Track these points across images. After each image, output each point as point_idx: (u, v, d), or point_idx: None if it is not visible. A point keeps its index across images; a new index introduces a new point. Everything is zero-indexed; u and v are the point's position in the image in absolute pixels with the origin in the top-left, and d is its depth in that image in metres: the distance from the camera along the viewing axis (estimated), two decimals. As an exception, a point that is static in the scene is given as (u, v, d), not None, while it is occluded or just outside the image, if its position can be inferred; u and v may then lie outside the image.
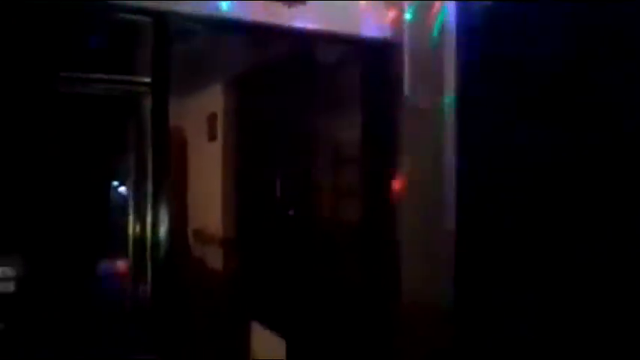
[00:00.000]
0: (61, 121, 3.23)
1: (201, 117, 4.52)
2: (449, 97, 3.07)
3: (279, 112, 3.84)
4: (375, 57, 3.23)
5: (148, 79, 3.19)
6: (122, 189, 3.42)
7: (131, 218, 3.29)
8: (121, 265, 3.44)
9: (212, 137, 4.44)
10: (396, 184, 3.10)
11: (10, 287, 3.38)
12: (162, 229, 3.24)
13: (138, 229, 3.26)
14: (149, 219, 3.21)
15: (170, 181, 3.29)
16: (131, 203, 3.26)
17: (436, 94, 3.12)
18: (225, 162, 4.35)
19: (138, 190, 3.29)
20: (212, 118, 4.44)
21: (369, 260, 3.21)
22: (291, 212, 3.69)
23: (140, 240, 3.25)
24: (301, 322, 3.40)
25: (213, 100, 4.37)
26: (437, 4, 3.10)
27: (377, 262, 3.16)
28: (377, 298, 3.12)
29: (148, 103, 3.28)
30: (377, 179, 3.20)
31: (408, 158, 3.07)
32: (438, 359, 2.84)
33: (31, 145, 3.16)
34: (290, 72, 3.63)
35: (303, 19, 2.96)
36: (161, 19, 2.94)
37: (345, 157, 3.53)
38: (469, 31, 2.96)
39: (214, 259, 4.23)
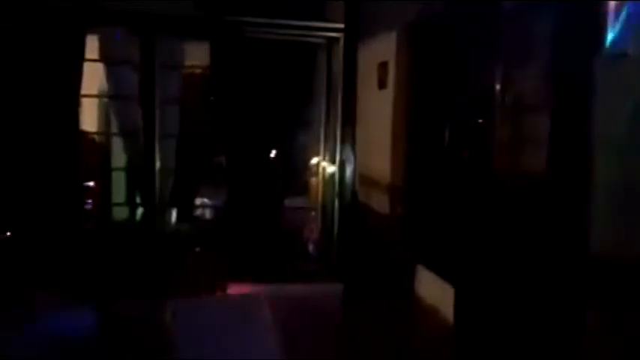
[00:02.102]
0: (257, 66, 3.47)
1: (372, 65, 4.64)
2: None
3: (454, 61, 3.83)
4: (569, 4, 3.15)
5: (341, 25, 3.32)
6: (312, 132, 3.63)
7: (321, 159, 3.50)
8: (309, 201, 3.70)
9: (382, 85, 4.54)
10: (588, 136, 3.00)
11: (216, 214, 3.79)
12: (349, 170, 3.41)
13: (327, 169, 3.47)
14: (337, 160, 3.40)
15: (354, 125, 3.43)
16: (321, 146, 3.47)
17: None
18: (395, 110, 4.44)
19: (327, 133, 3.49)
20: (383, 66, 4.54)
21: (554, 213, 3.16)
22: (465, 154, 3.69)
23: (330, 179, 3.46)
24: (472, 271, 3.45)
25: (385, 48, 4.46)
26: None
27: (563, 216, 3.11)
28: (561, 253, 3.00)
29: (339, 49, 3.42)
30: (568, 130, 3.12)
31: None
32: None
33: (229, 90, 3.43)
34: (469, 20, 3.59)
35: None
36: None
37: (526, 106, 3.47)
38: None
39: (382, 204, 4.39)
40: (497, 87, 3.78)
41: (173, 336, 1.94)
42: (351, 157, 3.38)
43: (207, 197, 4.03)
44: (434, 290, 3.72)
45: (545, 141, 3.26)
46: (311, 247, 3.59)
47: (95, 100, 3.93)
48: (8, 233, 3.30)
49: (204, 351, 1.96)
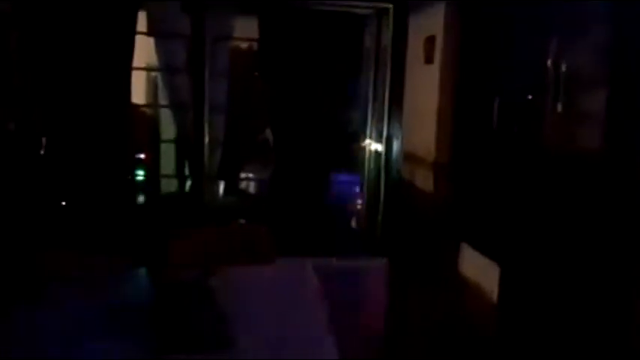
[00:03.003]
0: (305, 39, 3.47)
1: (419, 39, 4.56)
2: None
3: (504, 35, 3.74)
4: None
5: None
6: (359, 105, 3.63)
7: (367, 134, 3.49)
8: (355, 177, 3.71)
9: (429, 60, 4.47)
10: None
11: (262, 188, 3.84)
12: (395, 146, 3.39)
13: (373, 144, 3.46)
14: (384, 135, 3.38)
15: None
16: (368, 120, 3.46)
17: None
18: (442, 85, 4.37)
19: (374, 107, 3.47)
20: (430, 41, 4.47)
21: (606, 193, 3.08)
22: (515, 130, 3.63)
23: (376, 154, 3.44)
24: (519, 250, 3.40)
25: (433, 22, 4.37)
26: None
27: (617, 195, 3.03)
28: (613, 235, 2.90)
29: (388, 21, 3.37)
30: (624, 106, 3.02)
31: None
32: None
33: (277, 64, 3.44)
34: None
35: None
36: None
37: (580, 81, 3.37)
38: None
39: (427, 180, 4.36)
40: (550, 61, 3.69)
41: (223, 302, 1.98)
42: (398, 133, 3.36)
43: (254, 171, 4.08)
44: (478, 268, 3.70)
45: (599, 117, 3.18)
46: (355, 222, 3.61)
47: (145, 73, 4.01)
48: (63, 203, 3.43)
49: (254, 318, 2.01)
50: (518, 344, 3.09)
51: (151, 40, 3.81)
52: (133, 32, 3.42)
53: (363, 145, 3.57)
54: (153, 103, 4.07)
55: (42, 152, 3.39)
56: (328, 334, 1.92)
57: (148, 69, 3.92)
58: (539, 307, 3.10)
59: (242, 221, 3.57)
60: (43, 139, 3.38)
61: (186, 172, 3.74)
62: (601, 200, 3.03)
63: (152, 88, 4.15)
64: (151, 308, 1.93)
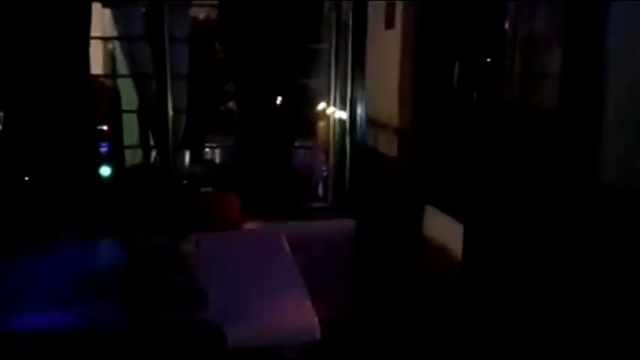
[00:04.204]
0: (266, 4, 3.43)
1: (379, 5, 4.56)
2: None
3: (463, 2, 3.78)
4: None
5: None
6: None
7: (332, 99, 3.51)
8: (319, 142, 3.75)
9: (389, 25, 4.49)
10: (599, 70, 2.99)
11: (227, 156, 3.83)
12: (359, 111, 3.43)
13: (337, 110, 3.49)
14: (348, 100, 3.41)
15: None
16: (331, 86, 3.49)
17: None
18: (403, 50, 4.41)
19: (337, 72, 3.49)
20: (391, 6, 4.48)
21: (563, 147, 3.18)
22: (474, 92, 3.70)
23: (340, 120, 3.48)
24: (481, 209, 3.50)
25: (392, -13, 4.37)
26: None
27: (573, 150, 3.14)
28: (570, 188, 2.99)
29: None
30: (580, 65, 3.11)
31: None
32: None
33: (238, 31, 3.40)
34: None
35: None
36: None
37: (536, 41, 3.45)
38: None
39: (391, 145, 4.42)
40: (507, 24, 3.76)
41: (194, 266, 2.00)
42: (362, 98, 3.40)
43: (219, 140, 4.08)
44: (443, 229, 3.80)
45: (556, 76, 3.27)
46: (321, 187, 3.66)
47: (102, 44, 3.92)
48: (26, 178, 3.37)
49: (227, 280, 2.04)
50: (483, 300, 3.21)
51: (107, 10, 3.74)
52: (90, 1, 3.34)
53: (326, 111, 3.60)
54: (111, 73, 3.99)
55: (0, 127, 3.32)
56: (299, 295, 1.96)
57: (106, 38, 3.84)
58: (503, 263, 3.22)
59: (209, 189, 3.58)
60: (1, 114, 3.30)
61: (151, 142, 3.72)
62: (557, 154, 3.15)
63: (109, 59, 4.08)
64: (121, 274, 1.94)
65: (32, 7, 3.19)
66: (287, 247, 2.41)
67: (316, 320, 1.85)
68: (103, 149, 3.60)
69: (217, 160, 4.14)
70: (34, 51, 3.24)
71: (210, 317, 1.62)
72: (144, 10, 3.56)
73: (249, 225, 2.95)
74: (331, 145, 3.52)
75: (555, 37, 3.31)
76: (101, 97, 3.75)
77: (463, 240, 3.54)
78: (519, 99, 3.55)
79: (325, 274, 2.88)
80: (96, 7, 3.58)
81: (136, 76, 3.75)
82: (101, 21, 3.84)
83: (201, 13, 4.02)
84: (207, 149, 4.13)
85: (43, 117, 3.30)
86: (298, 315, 1.88)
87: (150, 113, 3.55)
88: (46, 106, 3.30)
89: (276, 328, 1.80)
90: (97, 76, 3.79)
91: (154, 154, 3.71)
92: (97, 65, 3.99)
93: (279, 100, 3.67)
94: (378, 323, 3.16)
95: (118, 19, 3.72)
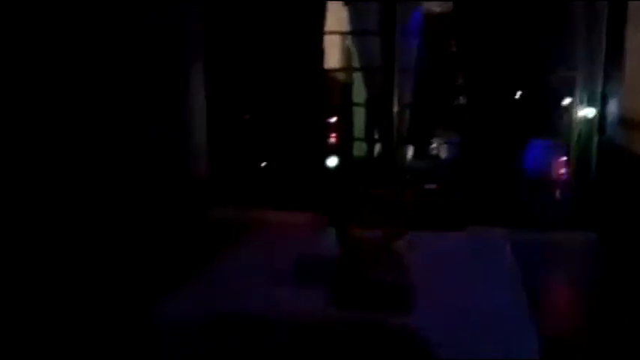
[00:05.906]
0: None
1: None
2: None
3: None
4: None
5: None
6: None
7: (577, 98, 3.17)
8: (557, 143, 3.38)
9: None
10: None
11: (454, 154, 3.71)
12: (611, 110, 3.02)
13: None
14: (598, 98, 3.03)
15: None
16: (577, 82, 3.13)
17: None
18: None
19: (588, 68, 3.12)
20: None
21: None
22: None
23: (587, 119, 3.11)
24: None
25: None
26: None
27: None
28: None
29: None
30: None
31: None
32: None
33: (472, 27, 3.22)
34: None
35: None
36: None
37: None
38: None
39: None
40: None
41: (407, 266, 1.91)
42: (615, 94, 2.95)
43: (445, 135, 3.92)
44: None
45: None
46: (558, 192, 3.26)
47: (337, 38, 4.06)
48: (263, 164, 3.63)
49: (440, 286, 1.91)
50: None
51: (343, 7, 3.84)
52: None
53: (568, 108, 3.20)
54: (345, 67, 4.10)
55: (246, 118, 3.63)
56: (520, 314, 1.74)
57: (340, 32, 3.95)
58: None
59: (432, 186, 3.45)
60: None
61: (376, 135, 3.73)
62: None
63: (346, 54, 4.20)
64: (333, 266, 1.94)
65: (272, 5, 3.40)
66: (511, 257, 2.18)
67: (537, 343, 1.64)
68: (332, 140, 3.72)
69: (442, 156, 3.99)
70: (273, 49, 3.46)
71: (415, 324, 1.51)
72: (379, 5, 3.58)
73: (472, 228, 2.75)
74: (574, 144, 3.10)
75: None
76: (334, 90, 3.88)
77: None
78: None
79: (554, 292, 2.55)
80: (337, 5, 3.72)
81: (366, 69, 3.80)
82: (339, 17, 3.98)
83: (435, 7, 3.92)
84: (433, 144, 4.01)
85: (280, 110, 3.52)
86: (515, 336, 1.67)
87: (376, 106, 3.55)
88: (282, 100, 3.51)
89: (485, 348, 1.61)
90: (330, 70, 3.92)
91: (377, 147, 3.72)
92: (333, 59, 4.15)
93: (517, 95, 3.39)
94: (609, 353, 2.70)
95: (353, 15, 3.80)
